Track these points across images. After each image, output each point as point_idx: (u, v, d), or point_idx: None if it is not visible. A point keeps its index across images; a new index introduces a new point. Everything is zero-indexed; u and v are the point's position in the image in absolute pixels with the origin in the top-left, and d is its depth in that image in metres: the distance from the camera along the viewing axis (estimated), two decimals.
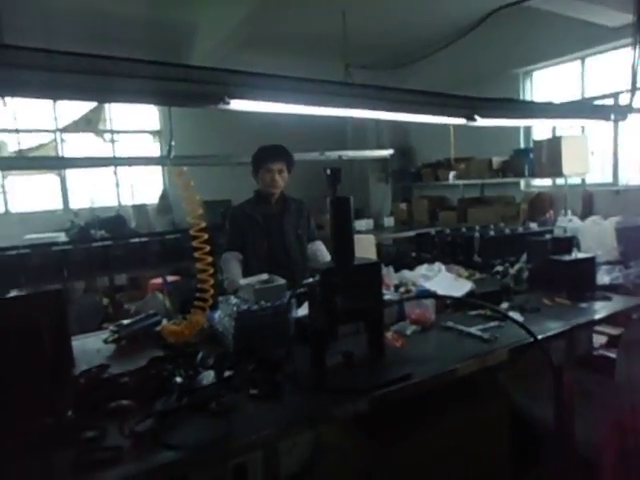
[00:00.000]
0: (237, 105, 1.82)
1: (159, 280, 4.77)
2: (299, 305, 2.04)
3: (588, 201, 5.77)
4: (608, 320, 3.27)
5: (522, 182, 6.72)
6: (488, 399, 1.99)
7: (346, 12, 5.42)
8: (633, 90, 3.31)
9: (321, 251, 2.85)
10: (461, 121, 2.48)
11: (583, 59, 6.08)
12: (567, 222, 3.47)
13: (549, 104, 2.91)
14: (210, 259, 1.93)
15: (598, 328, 3.64)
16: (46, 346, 1.68)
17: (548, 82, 6.68)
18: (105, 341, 2.03)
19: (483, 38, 6.53)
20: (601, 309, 2.27)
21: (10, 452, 1.21)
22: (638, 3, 3.32)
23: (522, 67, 6.70)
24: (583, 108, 3.52)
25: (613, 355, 3.00)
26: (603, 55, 5.87)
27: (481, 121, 2.46)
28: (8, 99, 5.47)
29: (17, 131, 5.96)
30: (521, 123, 2.80)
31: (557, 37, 5.90)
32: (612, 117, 3.22)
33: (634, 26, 3.27)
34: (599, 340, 3.57)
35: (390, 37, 6.82)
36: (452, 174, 6.61)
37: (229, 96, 1.76)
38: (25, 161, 6.01)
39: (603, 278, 2.65)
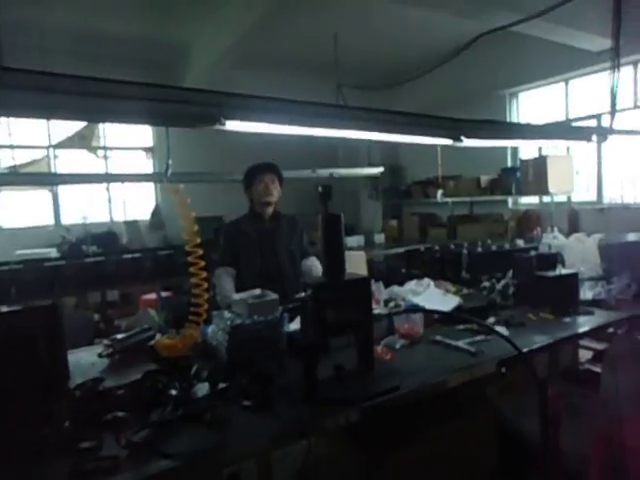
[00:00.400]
0: (232, 126, 1.89)
1: (150, 296, 4.78)
2: (291, 320, 2.09)
3: (574, 219, 5.91)
4: (592, 335, 3.35)
5: (510, 200, 6.87)
6: (475, 412, 2.04)
7: (338, 34, 5.57)
8: (613, 112, 3.45)
9: (316, 266, 2.90)
10: (448, 142, 2.58)
11: (567, 81, 6.29)
12: (552, 239, 3.56)
13: (531, 125, 3.03)
14: (204, 274, 1.98)
15: (584, 343, 3.73)
16: (42, 359, 1.71)
17: (534, 103, 6.89)
18: (99, 355, 2.06)
19: (470, 60, 6.72)
20: (584, 323, 2.34)
21: (9, 461, 1.24)
22: (617, 29, 3.48)
23: (508, 88, 6.90)
24: (565, 130, 3.66)
25: (599, 369, 3.07)
26: (586, 77, 6.07)
27: (467, 142, 2.56)
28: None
29: (12, 147, 5.99)
30: (505, 144, 2.90)
31: (542, 60, 6.10)
32: (593, 138, 3.35)
33: (613, 51, 3.42)
34: (585, 355, 3.65)
35: (381, 59, 7.00)
36: (440, 192, 6.74)
37: (225, 117, 1.83)
38: (18, 177, 6.03)
39: (586, 293, 2.73)
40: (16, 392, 1.49)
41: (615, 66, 3.46)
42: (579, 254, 3.28)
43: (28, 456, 1.27)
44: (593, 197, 6.12)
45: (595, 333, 3.31)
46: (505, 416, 2.29)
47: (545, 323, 2.34)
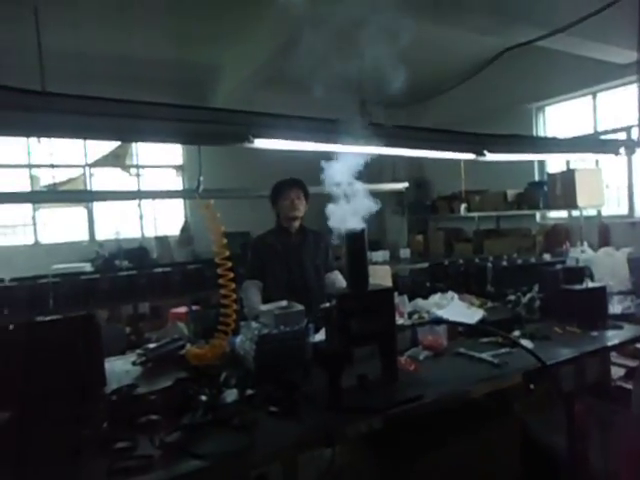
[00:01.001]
0: (260, 143, 1.99)
1: (180, 309, 4.90)
2: (317, 331, 2.15)
3: (604, 233, 5.79)
4: (621, 349, 3.29)
5: (537, 214, 6.78)
6: (501, 425, 2.04)
7: (362, 53, 5.67)
8: None
9: (339, 280, 2.95)
10: (471, 156, 2.62)
11: (594, 94, 6.22)
12: (580, 253, 3.52)
13: (556, 139, 3.03)
14: (233, 286, 2.06)
15: (616, 360, 3.65)
16: (81, 365, 1.81)
17: (561, 117, 6.82)
18: (133, 363, 2.15)
19: (496, 75, 6.73)
20: (612, 337, 2.32)
21: (50, 459, 1.33)
22: None
23: (534, 102, 6.87)
24: (591, 143, 3.64)
25: (630, 386, 3.00)
26: (614, 90, 6.00)
27: (490, 156, 2.59)
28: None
29: (52, 166, 6.30)
30: (529, 157, 2.92)
31: (568, 73, 6.06)
32: (621, 151, 3.32)
33: (639, 64, 3.41)
34: (618, 372, 3.57)
35: (406, 75, 7.08)
36: (463, 206, 6.73)
37: (254, 135, 1.92)
38: (56, 195, 6.31)
39: (615, 307, 2.70)
40: (56, 395, 1.59)
41: None
42: (608, 268, 3.23)
43: (68, 455, 1.35)
44: (624, 211, 5.99)
45: (625, 348, 3.26)
46: (532, 430, 2.27)
47: (571, 337, 2.32)
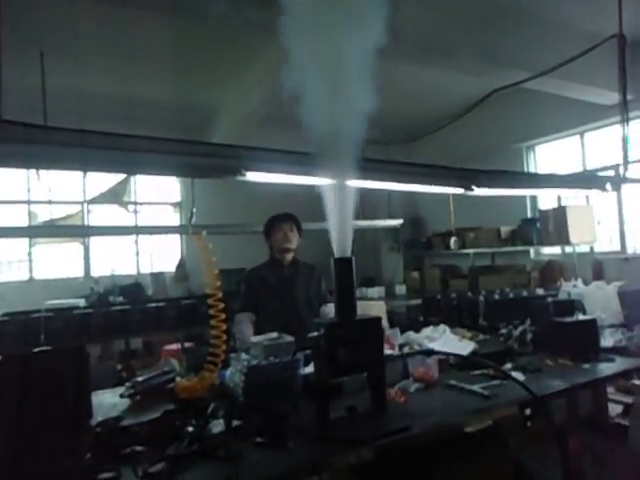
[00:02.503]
0: (252, 177, 2.05)
1: (172, 346, 4.85)
2: (307, 363, 2.14)
3: (598, 269, 5.82)
4: (620, 387, 3.26)
5: (531, 250, 6.84)
6: (494, 458, 2.01)
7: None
8: (625, 162, 3.52)
9: (332, 312, 2.95)
10: (459, 191, 2.68)
11: (582, 134, 6.40)
12: (572, 287, 3.54)
13: (541, 175, 3.11)
14: (223, 316, 2.06)
15: (614, 397, 3.61)
16: (68, 397, 1.79)
17: (551, 155, 6.99)
18: (121, 396, 2.12)
19: (485, 115, 6.94)
20: (604, 370, 2.31)
21: None
22: (624, 84, 3.61)
23: (525, 141, 7.06)
24: (577, 179, 3.73)
25: (627, 422, 2.96)
26: (603, 129, 6.17)
27: (478, 191, 2.66)
28: (43, 173, 5.90)
29: (50, 202, 6.36)
30: (517, 193, 2.99)
31: (556, 113, 6.26)
32: (608, 187, 3.41)
33: (620, 105, 3.54)
34: (616, 409, 3.52)
35: (399, 115, 7.29)
36: (453, 239, 6.82)
37: (245, 169, 1.98)
38: (53, 229, 6.36)
39: (607, 340, 2.69)
40: (42, 426, 1.57)
41: (624, 120, 3.57)
42: (600, 301, 3.25)
43: None
44: (617, 247, 6.05)
45: (621, 384, 3.23)
46: (526, 465, 2.23)
47: (563, 369, 2.31)
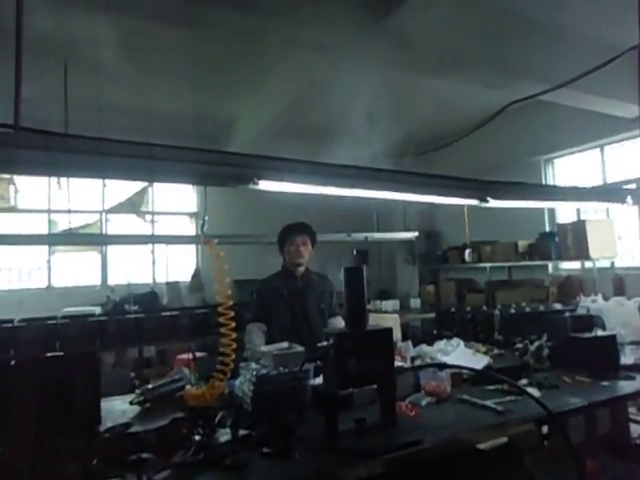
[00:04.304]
0: (265, 185, 2.05)
1: (186, 356, 4.86)
2: (317, 374, 2.11)
3: (618, 285, 5.68)
4: (633, 399, 3.15)
5: (550, 265, 6.71)
6: (508, 477, 1.95)
7: (372, 106, 5.89)
8: None
9: (341, 324, 2.93)
10: (474, 202, 2.64)
11: (602, 147, 6.30)
12: (590, 302, 3.45)
13: (558, 187, 3.06)
14: (233, 324, 2.06)
15: (636, 417, 3.49)
16: (78, 402, 1.81)
17: (570, 169, 6.89)
18: (131, 402, 2.13)
19: (503, 127, 6.88)
20: (624, 388, 2.23)
21: None
22: None
23: (543, 155, 6.97)
24: (596, 192, 3.65)
25: None
26: (623, 143, 6.07)
27: (493, 202, 2.62)
28: (63, 183, 6.02)
29: (69, 211, 6.48)
30: (532, 205, 2.94)
31: (574, 126, 6.17)
32: (629, 200, 3.33)
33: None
34: (638, 430, 3.41)
35: (415, 128, 7.28)
36: (468, 252, 6.75)
37: (258, 177, 1.98)
38: (72, 237, 6.47)
39: (627, 358, 2.61)
40: (50, 430, 1.58)
41: None
42: (620, 317, 3.16)
43: None
44: (638, 263, 5.91)
45: (637, 400, 3.12)
46: None
47: (581, 386, 2.25)
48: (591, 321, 2.70)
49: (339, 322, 2.96)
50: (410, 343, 2.61)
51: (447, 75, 4.79)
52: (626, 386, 2.25)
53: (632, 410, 3.44)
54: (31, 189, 6.83)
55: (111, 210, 7.30)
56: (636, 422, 3.45)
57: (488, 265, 6.99)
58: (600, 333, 2.56)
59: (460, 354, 2.50)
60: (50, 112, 4.35)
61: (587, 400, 2.02)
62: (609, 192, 3.52)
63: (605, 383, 2.27)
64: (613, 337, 2.51)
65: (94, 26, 3.52)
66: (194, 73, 5.11)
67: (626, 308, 3.23)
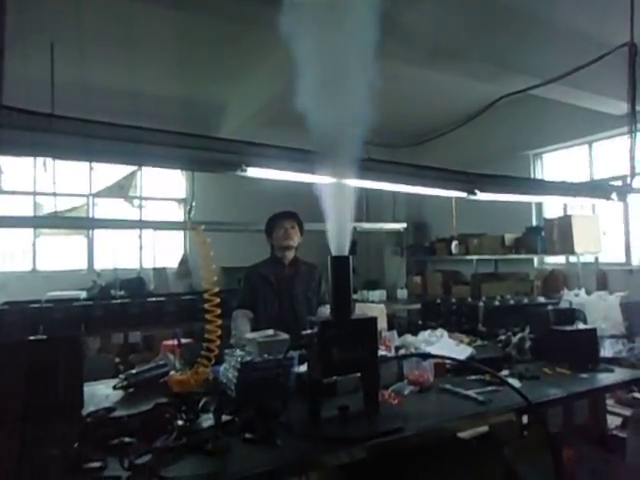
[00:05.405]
0: (253, 172, 2.04)
1: (171, 341, 4.84)
2: (302, 362, 2.12)
3: (602, 280, 5.77)
4: (620, 399, 3.22)
5: (535, 259, 6.79)
6: (487, 465, 1.98)
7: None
8: (632, 173, 3.48)
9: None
10: (462, 194, 2.66)
11: (590, 143, 6.35)
12: (573, 296, 3.51)
13: (546, 182, 3.09)
14: (218, 311, 2.05)
15: (613, 409, 3.57)
16: (60, 385, 1.79)
17: (558, 164, 6.94)
18: (114, 387, 2.12)
19: (493, 121, 6.87)
20: (602, 380, 2.28)
21: (17, 478, 1.29)
22: (632, 94, 3.57)
23: (531, 150, 7.01)
24: (582, 187, 3.69)
25: (625, 435, 2.92)
26: (611, 140, 6.12)
27: (481, 195, 2.63)
28: (49, 165, 5.92)
29: (54, 194, 6.38)
30: (519, 198, 2.96)
31: (563, 122, 6.21)
32: (613, 197, 3.37)
33: (629, 115, 3.51)
34: (615, 422, 3.48)
35: (405, 119, 7.27)
36: (454, 243, 6.82)
37: (246, 164, 1.97)
38: (57, 220, 6.38)
39: (607, 351, 2.67)
40: (32, 414, 1.56)
41: (632, 130, 3.53)
42: (601, 311, 3.22)
43: (35, 473, 1.32)
44: (622, 258, 6.00)
45: (621, 396, 3.18)
46: (519, 474, 2.20)
47: (561, 378, 2.29)
48: (573, 314, 2.74)
49: (328, 310, 2.97)
50: (395, 333, 2.63)
51: (439, 65, 4.78)
52: (605, 378, 2.30)
53: (610, 402, 3.51)
54: (16, 170, 6.71)
55: (98, 194, 7.20)
56: (613, 414, 3.53)
57: (475, 257, 7.05)
58: (581, 326, 2.60)
59: (444, 344, 2.53)
60: (32, 93, 4.26)
61: (566, 391, 2.06)
62: (595, 188, 3.56)
63: (584, 375, 2.32)
64: (594, 330, 2.55)
65: (81, 5, 3.45)
66: (184, 56, 5.04)
67: (608, 303, 3.29)
